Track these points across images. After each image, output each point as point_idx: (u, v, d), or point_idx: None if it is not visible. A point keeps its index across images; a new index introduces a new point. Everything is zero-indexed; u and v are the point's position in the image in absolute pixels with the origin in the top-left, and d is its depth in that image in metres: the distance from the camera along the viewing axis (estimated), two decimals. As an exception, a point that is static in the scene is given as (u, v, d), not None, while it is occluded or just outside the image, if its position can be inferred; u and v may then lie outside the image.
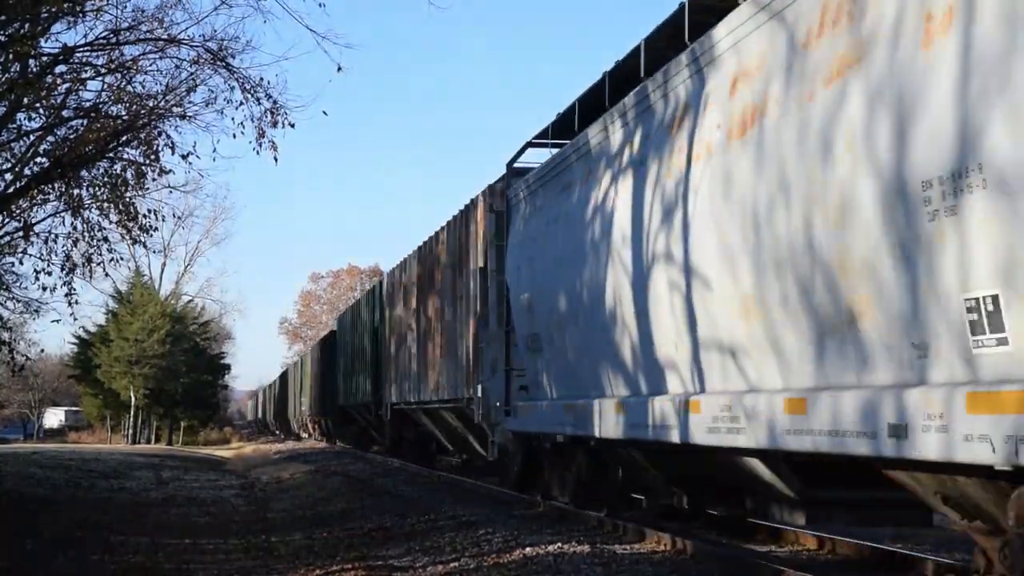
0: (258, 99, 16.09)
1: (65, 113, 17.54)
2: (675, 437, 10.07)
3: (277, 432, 75.74)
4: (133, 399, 60.07)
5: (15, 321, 28.63)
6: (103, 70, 17.14)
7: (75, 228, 18.15)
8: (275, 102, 16.10)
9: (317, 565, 11.80)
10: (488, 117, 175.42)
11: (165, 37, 16.73)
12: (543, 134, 15.55)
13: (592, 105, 13.48)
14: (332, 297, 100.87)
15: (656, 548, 11.61)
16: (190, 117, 17.32)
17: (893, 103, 6.66)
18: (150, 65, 17.38)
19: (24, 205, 18.73)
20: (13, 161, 17.77)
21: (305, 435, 58.18)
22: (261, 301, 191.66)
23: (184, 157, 16.99)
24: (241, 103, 16.19)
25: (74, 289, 18.41)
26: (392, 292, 29.74)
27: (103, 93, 17.70)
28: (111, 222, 18.55)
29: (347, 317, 41.13)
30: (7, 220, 18.91)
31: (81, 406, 76.66)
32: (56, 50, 16.22)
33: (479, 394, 18.25)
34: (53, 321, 27.26)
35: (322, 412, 48.07)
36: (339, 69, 15.66)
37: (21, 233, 19.02)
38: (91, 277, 19.40)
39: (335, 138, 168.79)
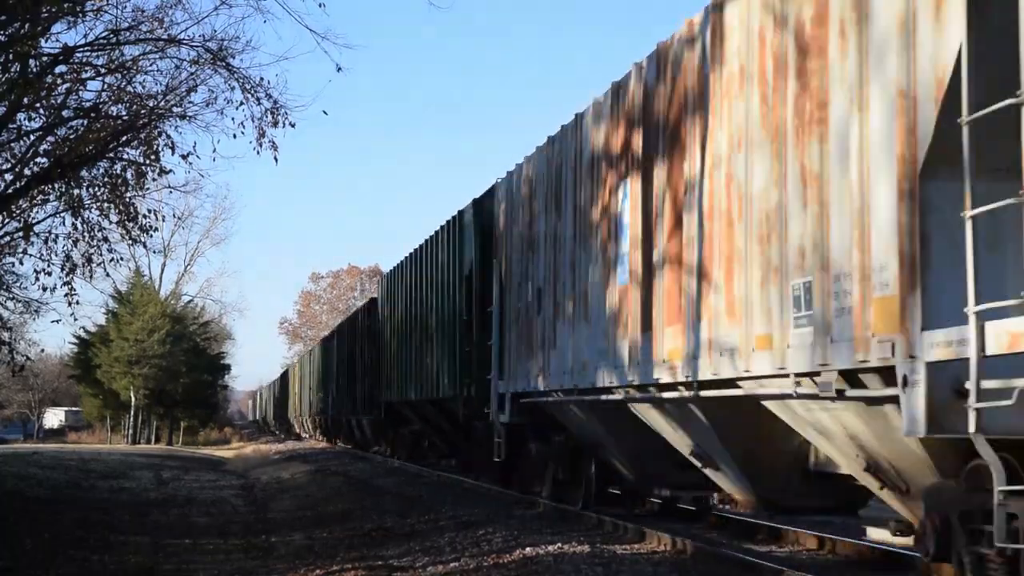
0: (258, 99, 16.12)
1: (65, 113, 17.54)
2: None
3: (277, 432, 75.68)
4: (133, 399, 60.07)
5: (15, 321, 28.63)
6: (103, 70, 17.15)
7: (75, 228, 18.16)
8: (275, 102, 16.14)
9: (317, 565, 11.81)
10: (488, 118, 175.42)
11: (165, 37, 16.74)
12: None
13: None
14: (332, 297, 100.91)
15: (656, 548, 11.62)
16: (190, 117, 17.34)
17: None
18: (150, 65, 17.41)
19: (24, 205, 18.73)
20: (13, 161, 17.77)
21: (323, 440, 50.43)
22: (261, 301, 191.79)
23: (184, 157, 17.01)
24: (241, 103, 16.23)
25: (74, 289, 18.41)
26: (523, 200, 16.37)
27: (103, 93, 17.72)
28: (111, 222, 18.57)
29: (404, 272, 27.22)
30: (7, 220, 18.91)
31: (81, 406, 76.63)
32: (56, 50, 16.23)
33: None
34: (53, 321, 27.29)
35: (354, 410, 36.52)
36: (339, 69, 15.71)
37: (21, 233, 19.02)
38: (91, 277, 19.41)
39: (336, 138, 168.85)
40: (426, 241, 24.25)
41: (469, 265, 19.87)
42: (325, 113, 45.57)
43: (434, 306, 22.87)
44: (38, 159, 17.84)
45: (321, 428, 51.36)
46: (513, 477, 18.41)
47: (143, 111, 17.27)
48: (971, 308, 6.38)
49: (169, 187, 20.79)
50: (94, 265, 18.58)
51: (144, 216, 18.26)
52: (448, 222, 21.81)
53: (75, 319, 20.48)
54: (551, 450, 16.18)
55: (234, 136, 16.30)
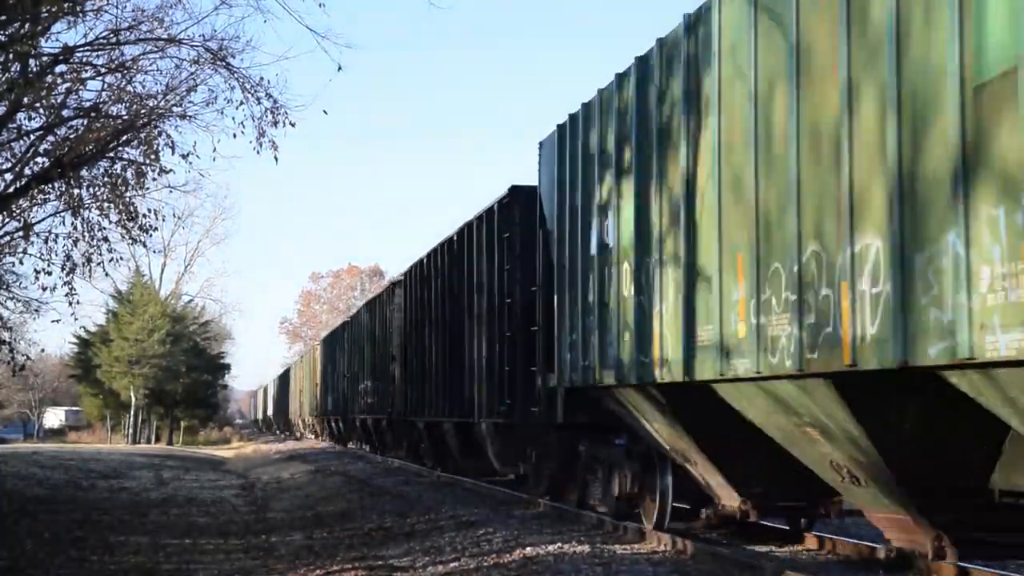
0: (258, 99, 16.11)
1: (65, 113, 17.54)
2: None
3: (278, 431, 75.67)
4: (133, 399, 60.11)
5: (15, 321, 28.59)
6: (103, 70, 17.15)
7: (75, 228, 18.14)
8: (275, 101, 16.13)
9: (317, 565, 11.81)
10: (487, 119, 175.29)
11: (165, 37, 16.75)
12: None
13: None
14: (332, 297, 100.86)
15: (656, 548, 11.61)
16: (190, 117, 17.34)
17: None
18: (150, 65, 17.42)
19: (24, 205, 18.73)
20: (13, 161, 17.77)
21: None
22: (261, 301, 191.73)
23: (184, 157, 17.00)
24: (241, 103, 16.22)
25: (74, 289, 18.41)
26: None
27: (103, 93, 17.72)
28: (111, 222, 18.55)
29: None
30: (7, 220, 18.91)
31: (81, 406, 76.71)
32: (56, 50, 16.23)
33: None
34: (53, 321, 27.28)
35: (447, 409, 21.33)
36: (339, 69, 15.72)
37: (21, 233, 19.01)
38: (91, 277, 19.42)
39: (336, 138, 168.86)
40: None
41: None
42: (325, 113, 45.51)
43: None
44: (38, 159, 17.85)
45: (367, 436, 36.22)
46: None
47: (143, 111, 17.27)
48: None
49: (169, 187, 20.76)
50: (94, 265, 18.57)
51: (144, 216, 18.25)
52: None
53: (75, 319, 20.51)
54: None
55: (234, 136, 16.30)
